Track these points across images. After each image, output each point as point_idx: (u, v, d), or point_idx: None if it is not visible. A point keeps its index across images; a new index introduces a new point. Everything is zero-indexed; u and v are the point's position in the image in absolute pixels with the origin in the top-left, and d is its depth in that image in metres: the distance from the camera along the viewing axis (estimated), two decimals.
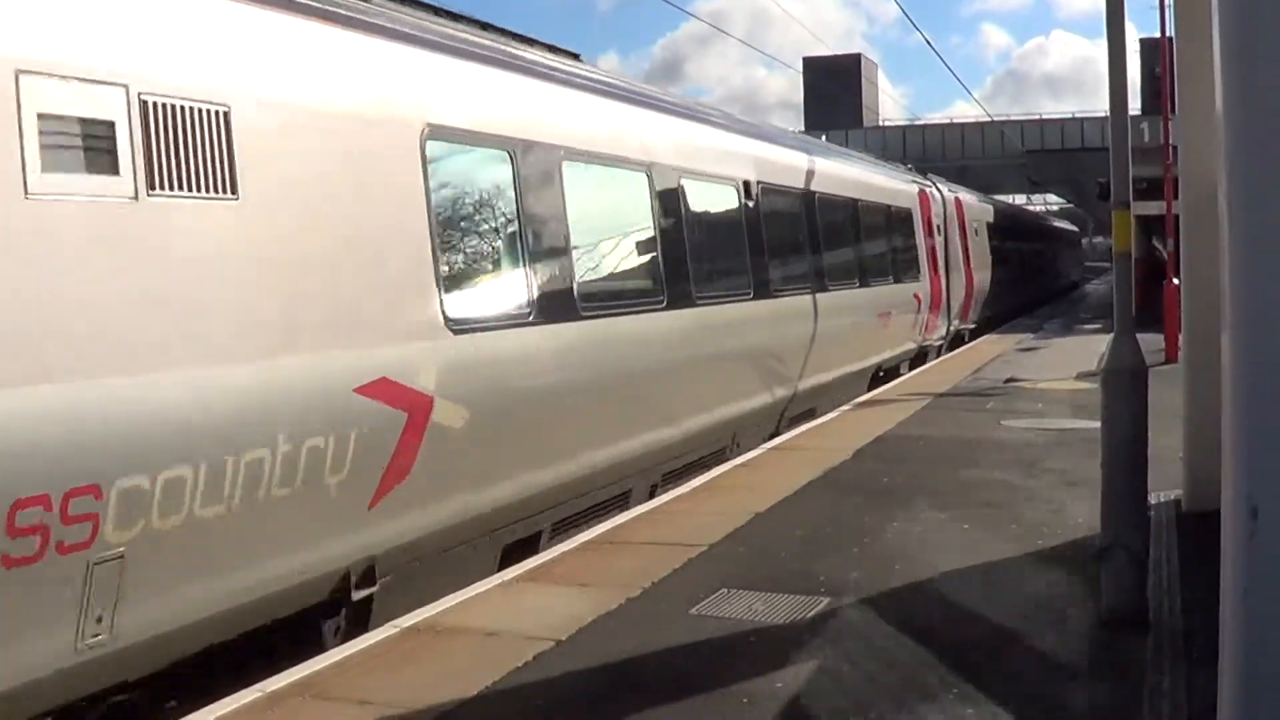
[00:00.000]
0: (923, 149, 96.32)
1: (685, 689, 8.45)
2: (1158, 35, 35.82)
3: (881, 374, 28.85)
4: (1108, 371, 9.91)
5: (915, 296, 32.14)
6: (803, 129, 54.93)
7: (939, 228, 36.49)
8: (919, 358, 33.74)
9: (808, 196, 23.75)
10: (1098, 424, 10.20)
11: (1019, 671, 8.73)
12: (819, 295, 23.23)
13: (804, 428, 20.97)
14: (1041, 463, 16.36)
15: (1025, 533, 12.57)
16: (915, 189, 35.27)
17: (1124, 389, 9.76)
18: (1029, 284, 62.57)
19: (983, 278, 43.99)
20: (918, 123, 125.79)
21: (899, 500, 14.24)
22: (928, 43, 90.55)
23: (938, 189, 38.72)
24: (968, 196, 45.76)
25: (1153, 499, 12.46)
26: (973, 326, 42.55)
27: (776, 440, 19.66)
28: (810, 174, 24.22)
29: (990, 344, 38.22)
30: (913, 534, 12.66)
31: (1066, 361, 30.48)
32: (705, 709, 8.11)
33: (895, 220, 31.60)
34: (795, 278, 22.29)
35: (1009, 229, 56.35)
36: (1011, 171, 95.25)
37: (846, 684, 8.58)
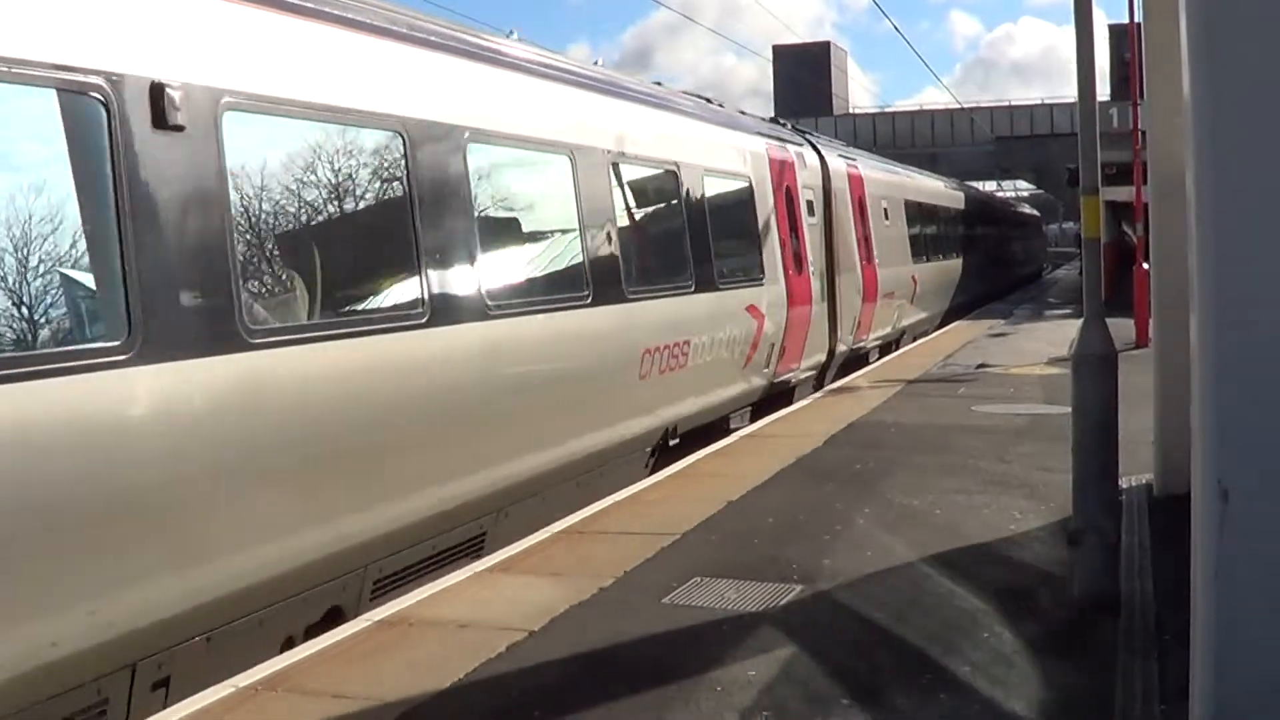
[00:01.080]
0: (893, 136, 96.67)
1: (658, 678, 8.44)
2: (1126, 21, 35.88)
3: (674, 439, 17.92)
4: (1078, 357, 9.92)
5: (751, 310, 20.63)
6: (773, 117, 48.73)
7: (811, 206, 25.21)
8: (774, 398, 22.74)
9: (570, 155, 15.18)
10: (1069, 409, 10.22)
11: (992, 656, 8.75)
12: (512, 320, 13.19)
13: (776, 415, 20.99)
14: (1013, 448, 16.38)
15: (997, 518, 12.59)
16: (761, 147, 23.20)
17: (1094, 374, 9.78)
18: (976, 278, 52.59)
19: (897, 276, 33.63)
20: (888, 110, 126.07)
21: (871, 487, 14.25)
22: (896, 29, 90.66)
23: (815, 151, 27.40)
24: (874, 167, 35.55)
25: (1124, 483, 12.52)
26: (880, 343, 32.42)
27: (749, 428, 19.66)
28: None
29: (961, 330, 38.15)
30: (885, 520, 12.67)
31: (1037, 347, 30.51)
32: (678, 697, 8.10)
33: (716, 195, 20.19)
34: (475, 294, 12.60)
35: (946, 212, 47.06)
36: (982, 158, 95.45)
37: (819, 671, 8.58)
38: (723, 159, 20.98)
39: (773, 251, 22.36)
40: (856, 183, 30.51)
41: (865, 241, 30.26)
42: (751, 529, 12.51)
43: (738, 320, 20.05)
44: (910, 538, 11.94)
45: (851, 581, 10.65)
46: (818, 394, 23.85)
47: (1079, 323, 10.18)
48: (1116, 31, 72.17)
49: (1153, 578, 10.37)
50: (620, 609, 10.08)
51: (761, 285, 21.34)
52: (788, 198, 23.99)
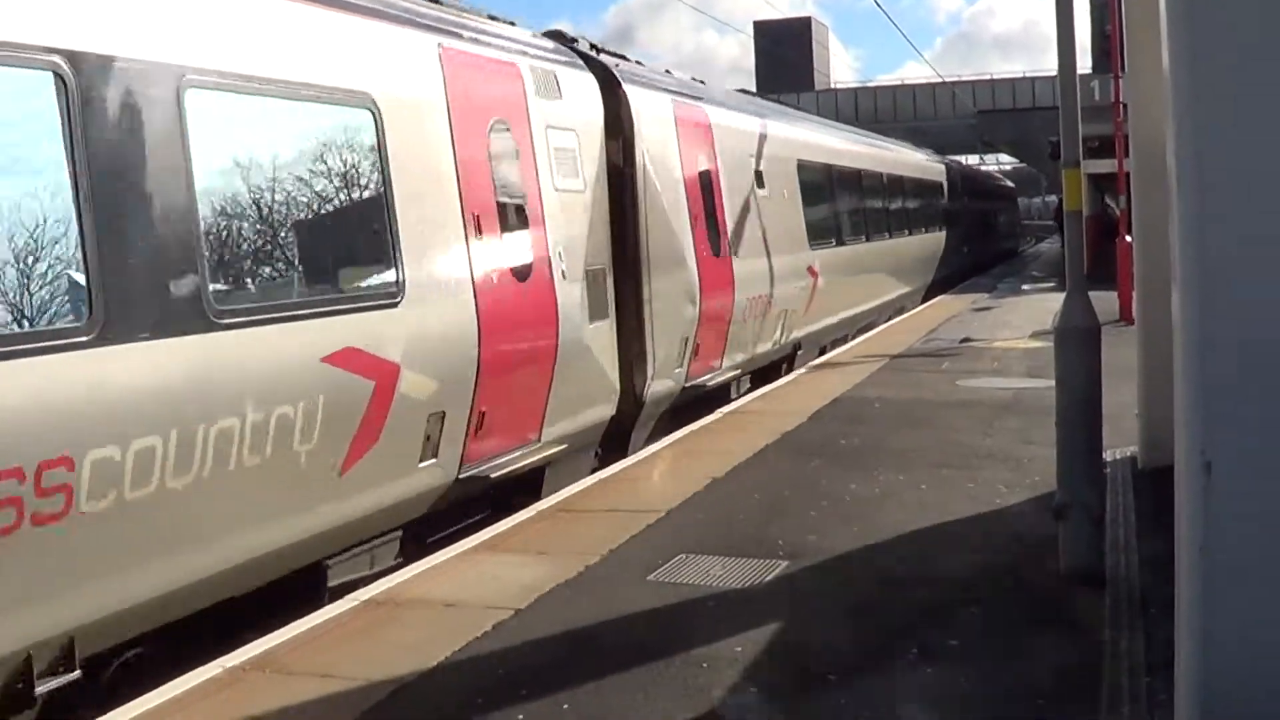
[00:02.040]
0: (874, 111, 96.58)
1: (645, 655, 8.44)
2: None
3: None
4: (1061, 330, 9.93)
5: (346, 361, 10.67)
6: (755, 92, 45.27)
7: (574, 161, 15.70)
8: (459, 507, 13.09)
9: None
10: (1053, 383, 10.23)
11: (978, 629, 8.77)
12: None
13: (760, 391, 21.01)
14: (998, 422, 16.41)
15: (982, 491, 12.61)
16: (417, 47, 12.93)
17: (1078, 347, 9.79)
18: (925, 263, 42.83)
19: (782, 270, 23.70)
20: (869, 85, 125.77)
21: (856, 462, 14.26)
22: (877, 4, 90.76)
23: (593, 75, 17.20)
24: (748, 114, 24.98)
25: (1109, 456, 12.54)
26: (750, 369, 22.60)
27: (732, 405, 19.67)
28: None
29: (945, 304, 38.06)
30: (870, 495, 12.68)
31: (1021, 320, 30.51)
32: (665, 674, 8.11)
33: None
34: None
35: (875, 181, 35.45)
36: (963, 131, 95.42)
37: (805, 646, 8.60)
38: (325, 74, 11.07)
39: (437, 237, 12.39)
40: (697, 134, 20.32)
41: (708, 220, 20.07)
42: (737, 506, 12.52)
43: (331, 386, 10.44)
44: (896, 513, 11.97)
45: (838, 557, 10.66)
46: (801, 370, 23.74)
47: (1062, 296, 10.20)
48: (1098, 4, 72.02)
49: (1138, 551, 10.39)
50: (606, 587, 10.08)
51: (395, 307, 11.47)
52: (503, 143, 13.98)
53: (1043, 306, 32.04)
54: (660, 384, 17.87)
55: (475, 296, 12.63)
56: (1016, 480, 13.01)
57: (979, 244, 60.45)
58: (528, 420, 14.01)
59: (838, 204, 30.46)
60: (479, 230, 12.96)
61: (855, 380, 21.18)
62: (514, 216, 13.93)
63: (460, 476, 12.55)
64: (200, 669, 8.57)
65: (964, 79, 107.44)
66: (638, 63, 20.53)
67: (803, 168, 26.95)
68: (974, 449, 14.76)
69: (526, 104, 14.58)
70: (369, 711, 7.75)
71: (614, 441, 16.93)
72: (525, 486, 14.02)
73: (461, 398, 12.38)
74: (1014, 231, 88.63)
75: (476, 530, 12.22)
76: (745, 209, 22.44)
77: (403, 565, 11.34)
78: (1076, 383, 9.78)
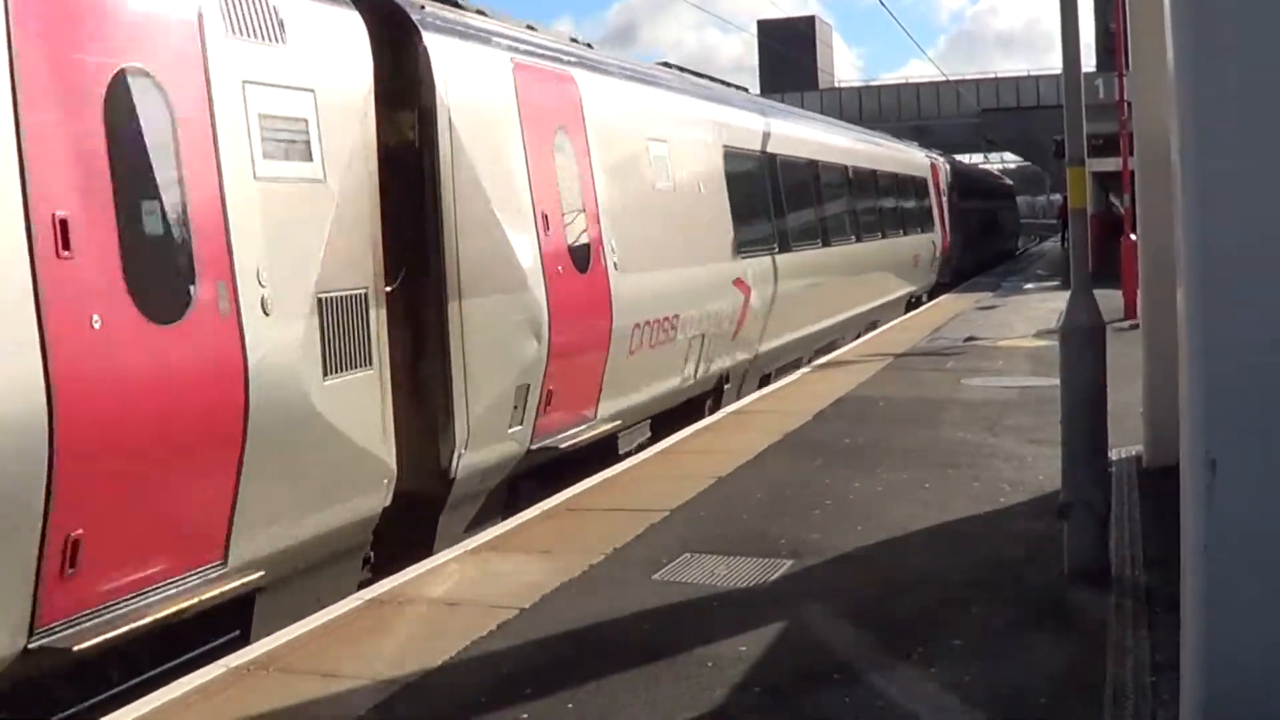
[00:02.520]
0: (878, 110, 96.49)
1: (649, 654, 8.44)
2: None
3: None
4: (1065, 329, 9.93)
5: None
6: (759, 92, 43.18)
7: (310, 134, 10.91)
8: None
9: None
10: (1057, 381, 10.23)
11: (982, 629, 8.75)
12: None
13: (763, 391, 21.02)
14: (1002, 421, 16.39)
15: (987, 491, 12.60)
16: None
17: (1082, 346, 9.79)
18: (893, 275, 36.33)
19: (694, 284, 19.12)
20: (873, 84, 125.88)
21: (860, 461, 14.26)
22: (881, 2, 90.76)
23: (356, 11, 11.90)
24: (621, 80, 18.57)
25: (1113, 455, 12.54)
26: (618, 423, 16.59)
27: (736, 404, 19.64)
28: None
29: (949, 303, 38.03)
30: (874, 495, 12.67)
31: (1025, 319, 30.51)
32: (669, 673, 8.10)
33: None
34: None
35: (829, 174, 29.17)
36: (967, 130, 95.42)
37: (809, 646, 8.60)
38: None
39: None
40: (555, 107, 15.45)
41: (569, 224, 15.29)
42: (741, 505, 12.52)
43: None
44: (900, 512, 11.95)
45: (841, 556, 10.66)
46: (805, 369, 23.69)
47: (1066, 295, 10.19)
48: (1102, 2, 72.08)
49: (1143, 549, 10.38)
50: (611, 586, 10.08)
51: None
52: (148, 106, 9.29)
53: (1047, 305, 32.08)
54: (481, 453, 13.14)
55: (45, 353, 7.95)
56: (1021, 479, 13.00)
57: (973, 247, 54.75)
58: (192, 541, 9.44)
59: (783, 203, 24.82)
60: (60, 244, 8.14)
61: (859, 379, 21.16)
62: (163, 220, 9.32)
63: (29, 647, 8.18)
64: (203, 669, 8.59)
65: (968, 77, 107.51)
66: (479, 11, 15.09)
67: (732, 157, 21.68)
68: (978, 448, 14.75)
69: (203, 45, 9.66)
70: (373, 710, 7.75)
71: (410, 536, 12.39)
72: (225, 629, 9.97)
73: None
74: (1012, 232, 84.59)
75: None
76: (636, 209, 17.19)
77: None
78: (1081, 382, 9.78)
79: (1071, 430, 9.85)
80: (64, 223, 8.16)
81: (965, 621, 8.91)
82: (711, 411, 19.52)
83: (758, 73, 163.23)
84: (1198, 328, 5.76)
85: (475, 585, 10.31)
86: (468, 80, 13.40)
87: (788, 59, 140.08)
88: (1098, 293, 10.19)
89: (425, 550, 12.00)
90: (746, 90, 29.37)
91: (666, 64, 23.93)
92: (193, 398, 9.13)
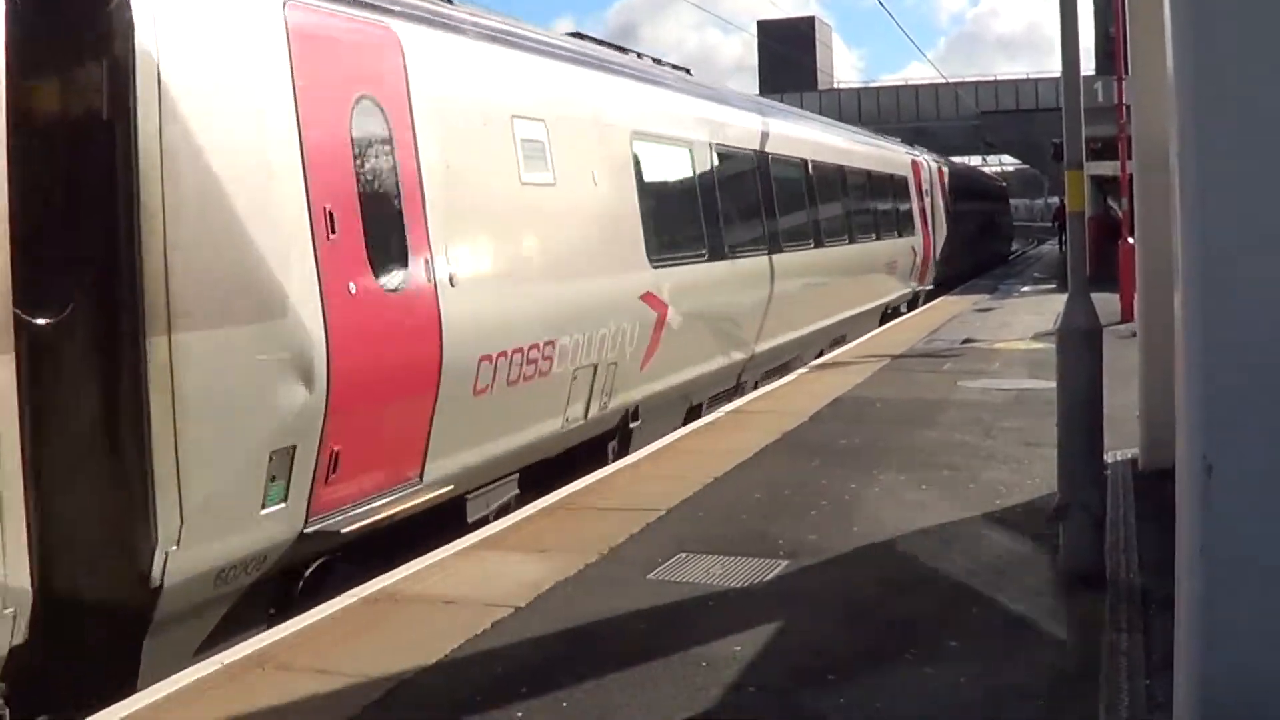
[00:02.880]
0: (877, 111, 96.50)
1: (644, 654, 8.44)
2: None
3: None
4: (1063, 331, 9.95)
5: None
6: (758, 93, 41.40)
7: None
8: None
9: None
10: (1054, 384, 10.24)
11: (978, 631, 8.76)
12: None
13: (760, 391, 20.99)
14: (999, 423, 16.39)
15: (983, 493, 12.60)
16: None
17: (1079, 349, 9.80)
18: (860, 285, 31.86)
19: (561, 302, 14.58)
20: (873, 85, 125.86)
21: (857, 462, 14.25)
22: (880, 3, 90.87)
23: None
24: (476, 42, 13.91)
25: (1110, 458, 12.55)
26: (449, 489, 12.29)
27: (733, 404, 19.61)
28: None
29: (947, 305, 37.97)
30: (871, 496, 12.68)
31: (1023, 321, 30.51)
32: (664, 673, 8.11)
33: None
34: None
35: (775, 167, 24.47)
36: (966, 133, 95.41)
37: (805, 646, 8.60)
38: None
39: None
40: (354, 67, 11.52)
41: (375, 223, 11.34)
42: (737, 505, 12.51)
43: None
44: (896, 513, 11.96)
45: (837, 557, 10.66)
46: (802, 369, 23.65)
47: (1064, 297, 10.21)
48: (1101, 5, 72.09)
49: (1138, 552, 10.39)
50: (607, 585, 10.08)
51: None
52: None
53: (1044, 307, 32.04)
54: (208, 548, 9.50)
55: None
56: (1017, 481, 13.01)
57: (961, 252, 49.67)
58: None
59: (717, 202, 20.56)
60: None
61: (856, 380, 21.14)
62: None
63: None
64: (198, 665, 8.60)
65: (967, 80, 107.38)
66: None
67: (646, 145, 17.87)
68: (975, 449, 14.75)
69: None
70: (368, 708, 7.75)
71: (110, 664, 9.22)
72: None
73: None
74: (1005, 235, 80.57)
75: None
76: (488, 206, 13.42)
77: None
78: (1078, 384, 9.79)
79: (1068, 433, 9.87)
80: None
81: (961, 622, 8.92)
82: (618, 456, 16.27)
83: (757, 73, 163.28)
84: (1195, 331, 5.76)
85: (471, 583, 10.30)
86: (192, 25, 9.68)
87: (788, 59, 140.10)
88: (1095, 296, 10.21)
89: (129, 685, 8.88)
90: (687, 72, 23.78)
91: (579, 34, 19.96)
92: None
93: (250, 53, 10.21)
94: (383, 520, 11.21)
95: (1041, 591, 9.60)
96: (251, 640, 9.07)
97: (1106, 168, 35.85)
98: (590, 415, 15.49)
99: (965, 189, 56.69)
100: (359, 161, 11.33)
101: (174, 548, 9.09)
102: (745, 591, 9.80)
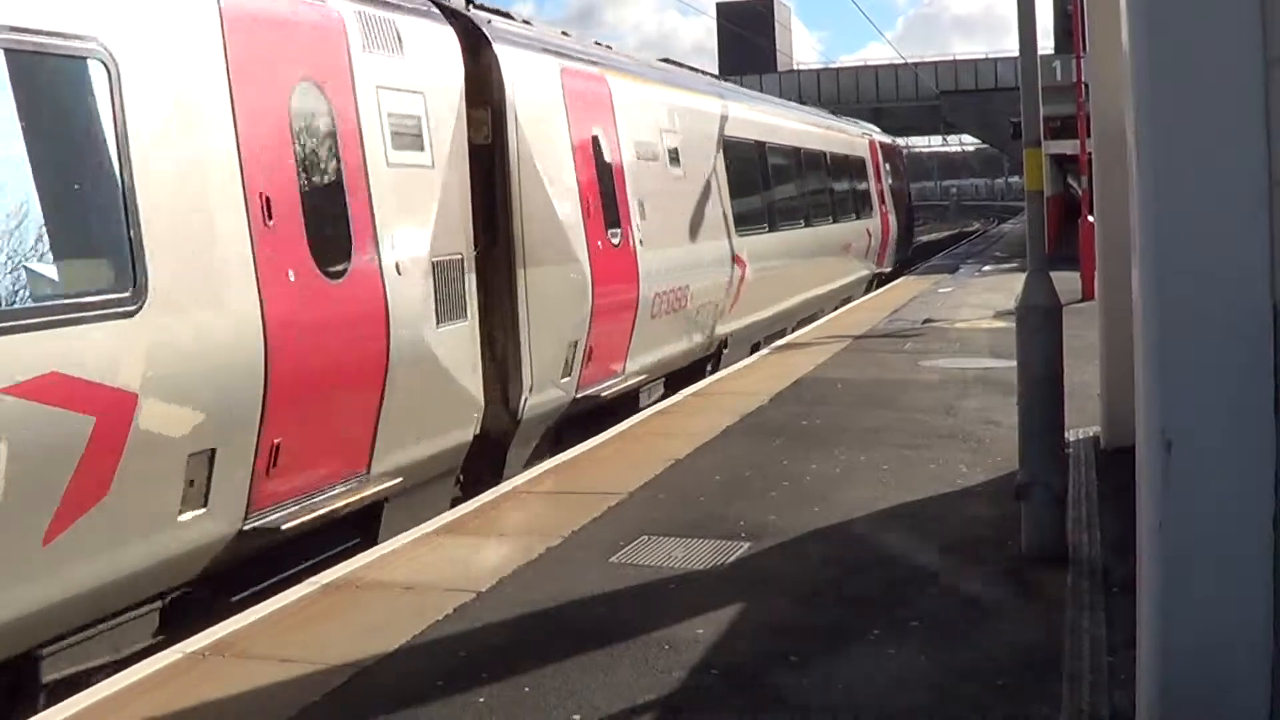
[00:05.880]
0: (837, 92, 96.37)
1: (606, 637, 8.43)
2: None
3: None
4: (1022, 309, 9.95)
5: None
6: (717, 74, 40.98)
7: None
8: None
9: None
10: (1015, 363, 10.24)
11: (940, 610, 8.77)
12: None
13: (722, 373, 21.01)
14: (960, 402, 16.42)
15: (944, 472, 12.62)
16: None
17: (1039, 326, 9.81)
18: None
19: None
20: (832, 66, 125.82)
21: (818, 443, 14.26)
22: None
23: None
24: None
25: (1071, 436, 12.58)
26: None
27: (695, 386, 19.60)
28: None
29: (907, 285, 38.02)
30: (832, 476, 12.68)
31: (984, 300, 30.53)
32: (626, 656, 8.09)
33: None
34: None
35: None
36: (926, 113, 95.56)
37: (767, 628, 8.60)
38: None
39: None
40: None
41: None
42: (698, 487, 12.51)
43: None
44: (857, 493, 11.97)
45: (799, 538, 10.66)
46: (764, 350, 23.64)
47: (1024, 276, 10.21)
48: None
49: (1100, 530, 10.42)
50: (568, 569, 10.06)
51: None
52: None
53: (1005, 287, 32.10)
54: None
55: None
56: (978, 460, 13.03)
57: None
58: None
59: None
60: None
61: (818, 361, 21.17)
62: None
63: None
64: (159, 654, 8.55)
65: (926, 60, 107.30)
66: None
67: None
68: (936, 429, 14.77)
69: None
70: (330, 695, 7.72)
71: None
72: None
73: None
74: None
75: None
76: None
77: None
78: (1038, 362, 9.80)
79: (1029, 411, 9.87)
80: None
81: (923, 602, 8.93)
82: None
83: (717, 55, 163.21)
84: (1153, 308, 5.76)
85: (432, 569, 10.28)
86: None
87: (747, 42, 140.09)
88: (1056, 275, 10.22)
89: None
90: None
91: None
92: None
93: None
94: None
95: (1004, 570, 9.61)
96: (212, 629, 9.02)
97: (1066, 146, 35.90)
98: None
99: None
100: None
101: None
102: (707, 573, 9.79)
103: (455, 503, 13.20)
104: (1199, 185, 5.65)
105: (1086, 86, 18.33)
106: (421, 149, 12.93)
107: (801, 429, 15.21)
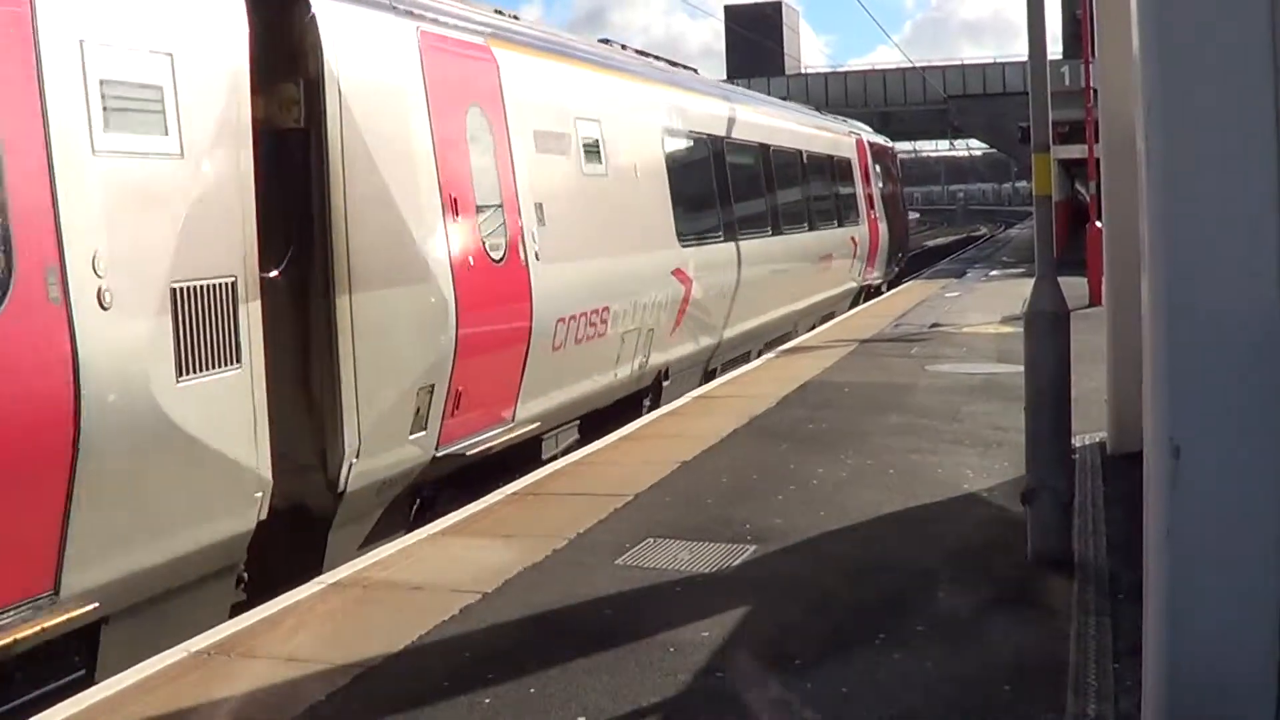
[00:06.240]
0: (845, 96, 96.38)
1: (611, 639, 8.43)
2: None
3: None
4: (1030, 314, 9.94)
5: None
6: (725, 78, 40.26)
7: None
8: None
9: None
10: (1022, 368, 10.24)
11: (946, 615, 8.76)
12: None
13: (728, 376, 20.96)
14: (966, 408, 16.40)
15: (950, 476, 12.61)
16: None
17: (1047, 332, 9.80)
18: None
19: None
20: (840, 70, 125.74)
21: (824, 446, 14.24)
22: None
23: None
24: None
25: (1078, 442, 12.58)
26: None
27: (701, 389, 19.57)
28: None
29: (914, 289, 37.98)
30: (838, 480, 12.67)
31: (991, 305, 30.52)
32: (631, 658, 8.09)
33: None
34: None
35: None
36: (934, 117, 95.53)
37: (771, 631, 8.59)
38: None
39: None
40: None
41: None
42: (705, 489, 12.50)
43: None
44: (863, 497, 11.95)
45: (805, 541, 10.65)
46: (769, 354, 23.58)
47: (1031, 281, 10.20)
48: None
49: (1106, 536, 10.40)
50: (573, 570, 10.06)
51: None
52: None
53: (1012, 292, 32.06)
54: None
55: None
56: (985, 465, 13.01)
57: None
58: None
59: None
60: None
61: (824, 364, 21.15)
62: None
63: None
64: (165, 653, 8.54)
65: (934, 64, 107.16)
66: None
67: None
68: (942, 433, 14.75)
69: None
70: (335, 694, 7.72)
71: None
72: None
73: None
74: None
75: None
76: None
77: None
78: (1045, 368, 9.79)
79: (1036, 416, 9.86)
80: None
81: (929, 607, 8.92)
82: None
83: (725, 58, 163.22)
84: (1162, 313, 5.75)
85: (437, 569, 10.27)
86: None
87: (755, 45, 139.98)
88: (1064, 280, 10.21)
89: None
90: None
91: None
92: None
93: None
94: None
95: (1009, 576, 9.60)
96: (217, 628, 9.02)
97: (1074, 151, 35.90)
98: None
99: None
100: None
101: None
102: (712, 576, 9.78)
103: (239, 609, 10.12)
104: (1209, 191, 5.65)
105: (1095, 91, 18.31)
106: (162, 132, 9.52)
107: (808, 432, 15.19)
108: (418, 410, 12.51)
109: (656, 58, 23.52)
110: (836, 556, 10.22)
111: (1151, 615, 5.97)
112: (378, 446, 11.86)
